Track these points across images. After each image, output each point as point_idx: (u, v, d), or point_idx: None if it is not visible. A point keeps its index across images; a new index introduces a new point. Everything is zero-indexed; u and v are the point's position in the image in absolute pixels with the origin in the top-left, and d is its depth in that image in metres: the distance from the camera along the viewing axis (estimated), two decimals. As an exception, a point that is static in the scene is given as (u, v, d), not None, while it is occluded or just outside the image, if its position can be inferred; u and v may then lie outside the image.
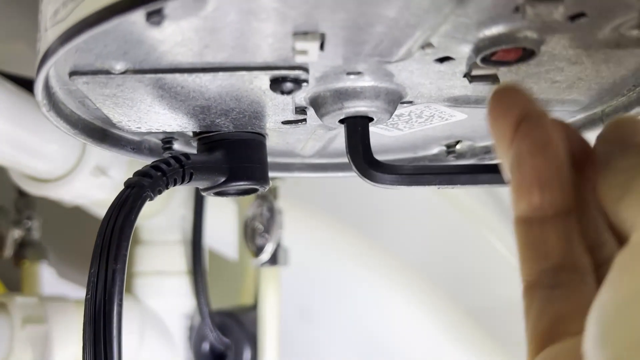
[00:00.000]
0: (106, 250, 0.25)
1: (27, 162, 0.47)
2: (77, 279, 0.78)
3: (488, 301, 0.70)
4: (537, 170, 0.20)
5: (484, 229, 0.69)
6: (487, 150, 0.36)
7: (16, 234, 0.71)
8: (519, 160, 0.20)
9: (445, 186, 0.28)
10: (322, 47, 0.22)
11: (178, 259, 0.65)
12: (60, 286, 0.77)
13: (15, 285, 0.72)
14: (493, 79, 0.25)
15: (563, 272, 0.21)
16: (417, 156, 0.38)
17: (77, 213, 0.60)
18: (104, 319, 0.24)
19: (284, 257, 0.62)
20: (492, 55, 0.23)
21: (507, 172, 0.21)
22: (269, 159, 0.32)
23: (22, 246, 0.72)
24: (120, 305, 0.25)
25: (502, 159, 0.22)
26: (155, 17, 0.18)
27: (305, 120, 0.30)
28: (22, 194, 0.68)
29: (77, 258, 0.80)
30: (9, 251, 0.71)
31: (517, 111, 0.21)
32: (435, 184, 0.28)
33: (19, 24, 0.53)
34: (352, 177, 0.39)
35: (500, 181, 0.28)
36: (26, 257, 0.72)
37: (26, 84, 0.47)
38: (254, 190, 0.32)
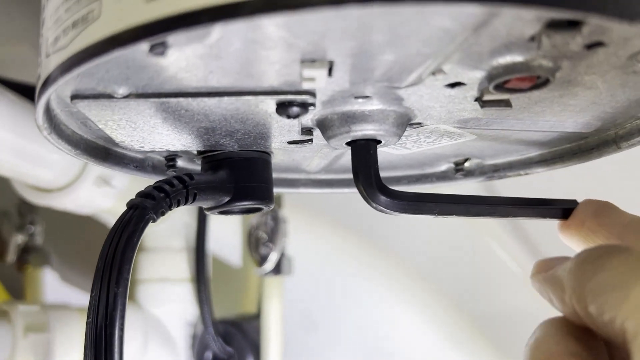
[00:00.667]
0: (107, 274, 0.25)
1: (29, 172, 0.47)
2: (80, 284, 0.78)
3: (492, 310, 0.69)
4: None
5: (488, 238, 0.68)
6: (495, 169, 0.35)
7: (19, 239, 0.71)
8: None
9: (447, 216, 0.28)
10: (330, 72, 0.21)
11: (181, 267, 0.64)
12: (63, 291, 0.76)
13: (18, 291, 0.71)
14: (505, 103, 0.25)
15: None
16: (424, 173, 0.37)
17: (80, 218, 0.59)
18: (105, 344, 0.24)
19: (288, 266, 0.61)
20: (505, 83, 0.22)
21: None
22: (274, 175, 0.31)
23: (25, 251, 0.72)
24: (121, 330, 0.25)
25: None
26: (159, 48, 0.18)
27: (311, 140, 0.29)
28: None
29: (80, 263, 0.79)
30: (12, 256, 0.71)
31: None
32: (436, 214, 0.28)
33: (21, 25, 0.52)
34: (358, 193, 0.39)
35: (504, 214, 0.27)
36: (29, 262, 0.72)
37: (28, 91, 0.47)
38: (259, 210, 0.31)
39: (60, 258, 0.78)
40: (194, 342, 0.64)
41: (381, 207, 0.26)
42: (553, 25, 0.19)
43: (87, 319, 0.25)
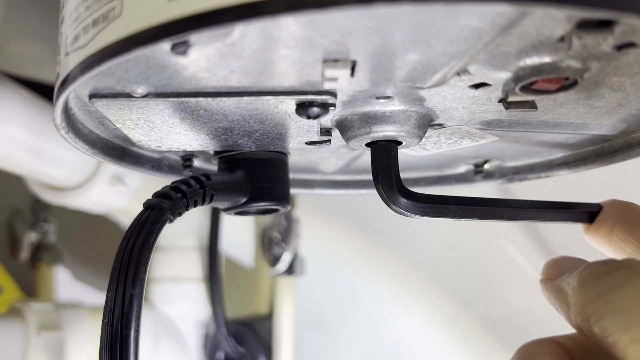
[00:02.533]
0: (124, 274, 0.24)
1: (44, 170, 0.47)
2: (93, 282, 0.78)
3: (504, 311, 0.69)
4: None
5: (501, 239, 0.67)
6: (516, 171, 0.34)
7: (32, 237, 0.71)
8: None
9: (467, 219, 0.27)
10: (352, 73, 0.21)
11: (194, 266, 0.64)
12: (75, 289, 0.76)
13: (31, 288, 0.71)
14: (530, 105, 0.24)
15: None
16: (442, 175, 0.36)
17: (93, 217, 0.59)
18: (120, 345, 0.24)
19: (301, 267, 0.61)
20: (531, 84, 0.22)
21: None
22: (290, 176, 0.31)
23: (38, 249, 0.72)
24: (137, 331, 0.25)
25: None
26: (181, 47, 0.17)
27: (330, 141, 0.29)
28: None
29: (93, 261, 0.80)
30: (25, 254, 0.71)
31: None
32: (458, 218, 0.27)
33: (37, 23, 0.52)
34: (374, 195, 0.38)
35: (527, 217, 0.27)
36: (42, 260, 0.72)
37: (43, 89, 0.47)
38: (275, 210, 0.31)
39: (73, 256, 0.78)
40: (205, 341, 0.64)
41: (401, 210, 0.26)
42: (584, 26, 0.18)
43: (103, 319, 0.25)
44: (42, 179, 0.49)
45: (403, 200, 0.26)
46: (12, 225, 0.72)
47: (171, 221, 0.27)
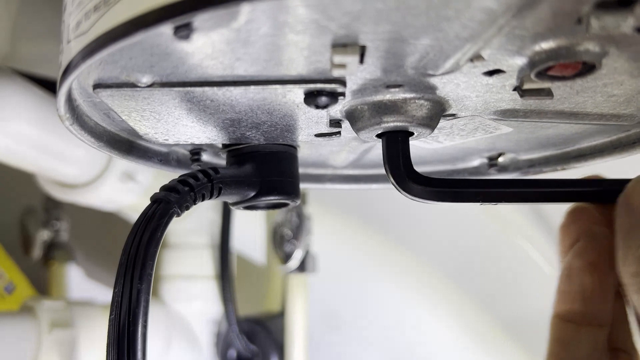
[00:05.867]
0: (131, 269, 0.24)
1: (54, 168, 0.47)
2: (105, 279, 0.78)
3: (521, 311, 0.68)
4: (583, 286, 0.22)
5: (518, 237, 0.66)
6: (531, 164, 0.34)
7: (45, 235, 0.71)
8: (568, 273, 0.23)
9: (489, 203, 0.26)
10: (361, 60, 0.20)
11: (206, 263, 0.64)
12: (87, 287, 0.77)
13: (44, 287, 0.72)
14: (546, 93, 0.23)
15: None
16: (455, 168, 0.36)
17: (105, 215, 0.59)
18: (128, 341, 0.23)
19: (312, 264, 0.60)
20: (547, 70, 0.21)
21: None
22: (300, 170, 0.31)
23: (51, 247, 0.72)
24: (145, 327, 0.24)
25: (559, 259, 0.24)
26: (184, 31, 0.17)
27: (339, 133, 0.28)
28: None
29: (105, 259, 0.80)
30: (37, 252, 0.71)
31: (576, 229, 0.23)
32: (478, 201, 0.26)
33: (51, 22, 0.52)
34: (385, 189, 0.37)
35: (554, 198, 0.26)
36: (54, 258, 0.72)
37: (55, 87, 0.47)
38: (285, 205, 0.30)
39: (85, 254, 0.78)
40: (217, 339, 0.64)
41: (413, 196, 0.25)
42: (603, 5, 0.17)
43: (110, 315, 0.24)
44: (53, 176, 0.49)
45: (415, 186, 0.25)
46: (25, 224, 0.72)
47: (178, 215, 0.26)
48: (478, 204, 0.25)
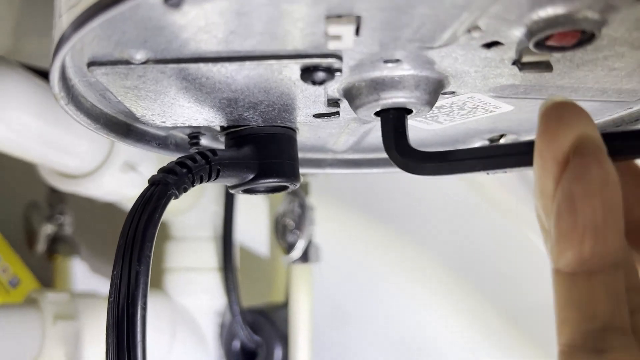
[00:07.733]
0: (129, 251, 0.24)
1: (56, 158, 0.47)
2: (109, 273, 0.78)
3: (528, 303, 0.67)
4: (593, 215, 0.17)
5: (525, 227, 0.66)
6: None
7: (49, 229, 0.71)
8: (570, 204, 0.17)
9: (495, 171, 0.25)
10: (357, 31, 0.20)
11: (209, 256, 0.64)
12: (91, 281, 0.77)
13: (48, 281, 0.72)
14: (545, 66, 0.23)
15: (613, 334, 0.18)
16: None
17: (109, 208, 0.59)
18: (127, 323, 0.23)
19: (316, 254, 0.60)
20: (546, 40, 0.20)
21: (545, 218, 0.18)
22: (299, 155, 0.30)
23: (55, 241, 0.72)
24: (144, 309, 0.24)
25: (541, 199, 0.19)
26: (174, -2, 0.17)
27: (338, 113, 0.28)
28: (54, 189, 0.68)
29: (109, 253, 0.79)
30: (41, 246, 0.71)
31: (568, 141, 0.18)
32: (479, 170, 0.25)
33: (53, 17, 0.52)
34: (386, 173, 0.37)
35: None
36: (58, 252, 0.72)
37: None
38: (284, 188, 0.30)
39: (89, 248, 0.78)
40: (221, 331, 0.64)
41: (410, 171, 0.25)
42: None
43: (109, 298, 0.24)
44: (55, 166, 0.49)
45: (414, 162, 0.25)
46: (29, 218, 0.73)
47: (176, 197, 0.26)
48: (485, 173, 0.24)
